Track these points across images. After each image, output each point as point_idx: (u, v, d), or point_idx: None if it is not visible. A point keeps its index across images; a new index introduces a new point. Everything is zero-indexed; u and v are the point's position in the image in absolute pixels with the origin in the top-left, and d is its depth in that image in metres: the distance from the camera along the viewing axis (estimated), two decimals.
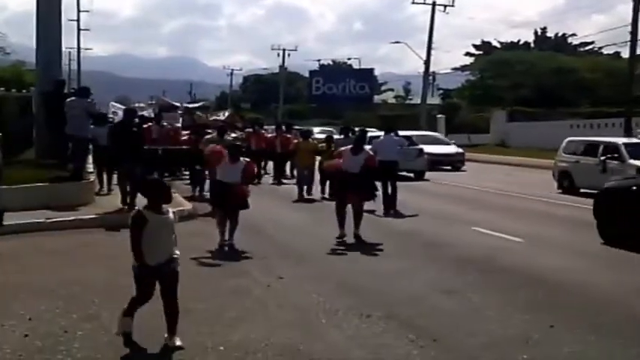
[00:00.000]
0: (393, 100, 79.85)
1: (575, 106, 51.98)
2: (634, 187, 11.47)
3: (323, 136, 26.86)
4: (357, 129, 19.32)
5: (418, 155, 24.40)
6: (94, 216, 12.76)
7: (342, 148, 12.53)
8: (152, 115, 29.57)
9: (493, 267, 9.72)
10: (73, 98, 15.68)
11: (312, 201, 17.69)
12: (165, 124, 20.20)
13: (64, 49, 20.63)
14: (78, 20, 68.94)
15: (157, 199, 5.85)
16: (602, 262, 10.39)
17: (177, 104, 32.68)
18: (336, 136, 21.83)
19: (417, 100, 59.54)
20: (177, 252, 5.96)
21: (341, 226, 11.62)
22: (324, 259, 10.14)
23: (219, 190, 10.90)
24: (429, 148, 27.16)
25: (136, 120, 16.16)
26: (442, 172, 28.11)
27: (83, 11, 69.76)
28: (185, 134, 21.02)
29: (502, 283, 8.70)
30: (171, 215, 5.94)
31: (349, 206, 11.82)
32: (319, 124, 46.77)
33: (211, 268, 9.35)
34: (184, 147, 19.10)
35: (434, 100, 69.73)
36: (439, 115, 52.87)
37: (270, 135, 24.56)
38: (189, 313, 6.65)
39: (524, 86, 57.10)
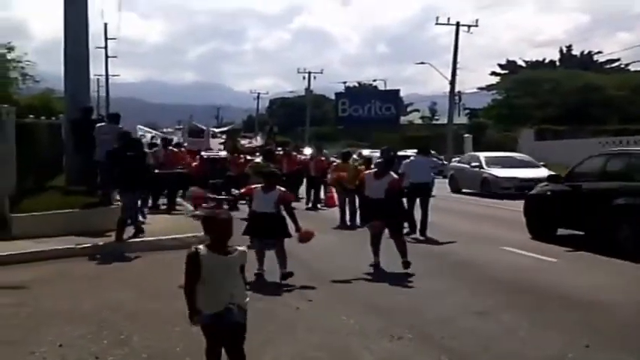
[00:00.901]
0: (420, 121, 79.72)
1: (602, 123, 51.50)
2: (548, 193, 14.54)
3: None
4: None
5: None
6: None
7: (365, 172, 12.04)
8: (180, 140, 29.98)
9: (524, 287, 9.60)
10: (103, 124, 15.87)
11: (354, 227, 15.52)
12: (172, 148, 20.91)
13: (92, 76, 20.83)
14: (106, 48, 69.76)
15: (216, 236, 4.92)
16: (637, 280, 10.23)
17: (204, 127, 33.01)
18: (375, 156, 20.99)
19: (444, 120, 59.41)
20: (245, 299, 5.04)
21: (375, 254, 10.93)
22: (354, 281, 10.01)
23: (253, 220, 10.13)
24: (515, 172, 25.03)
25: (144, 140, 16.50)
26: None
27: (110, 39, 70.52)
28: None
29: (534, 303, 8.58)
30: (237, 254, 4.96)
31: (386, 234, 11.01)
32: (346, 145, 46.73)
33: None
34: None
35: (460, 119, 69.51)
36: (466, 135, 52.65)
37: (303, 157, 23.96)
38: None
39: (551, 104, 56.73)
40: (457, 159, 33.10)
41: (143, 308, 7.82)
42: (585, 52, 75.54)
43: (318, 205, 21.13)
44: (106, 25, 69.42)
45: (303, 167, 22.43)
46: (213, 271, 4.83)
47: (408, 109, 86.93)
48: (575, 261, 11.77)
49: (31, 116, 19.33)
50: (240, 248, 4.98)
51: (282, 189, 10.08)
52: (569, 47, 77.75)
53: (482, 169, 26.41)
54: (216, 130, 34.37)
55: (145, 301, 8.23)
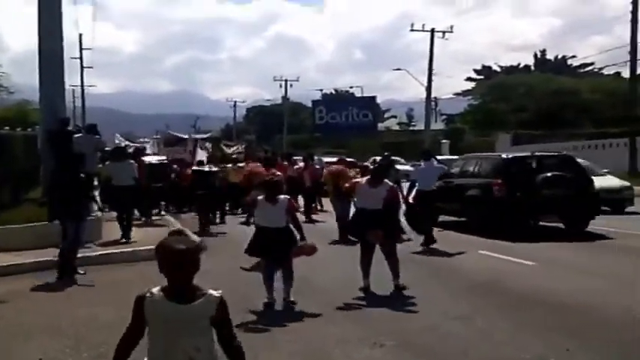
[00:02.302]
0: (397, 127, 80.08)
1: (577, 127, 52.00)
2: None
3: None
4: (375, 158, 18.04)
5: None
6: (99, 253, 12.74)
7: (355, 180, 10.89)
8: (155, 150, 29.71)
9: (503, 291, 9.66)
10: (80, 135, 15.77)
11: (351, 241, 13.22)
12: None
13: (67, 87, 20.75)
14: (81, 58, 69.29)
15: (169, 275, 3.35)
16: (614, 282, 10.32)
17: (185, 136, 32.65)
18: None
19: (421, 126, 59.74)
20: None
21: (365, 276, 9.80)
22: (337, 289, 9.92)
23: (261, 238, 8.90)
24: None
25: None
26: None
27: (85, 49, 70.02)
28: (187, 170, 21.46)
29: (513, 307, 8.63)
30: (203, 302, 3.36)
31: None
32: (324, 153, 46.76)
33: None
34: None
35: (437, 125, 69.87)
36: (443, 141, 53.01)
37: (297, 167, 22.42)
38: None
39: (526, 109, 57.25)
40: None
41: (121, 320, 7.75)
42: (559, 57, 76.45)
43: (313, 217, 19.58)
44: (80, 35, 69.03)
45: (298, 177, 21.06)
46: (163, 325, 3.36)
47: (385, 115, 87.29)
48: (551, 264, 11.86)
49: (6, 128, 19.19)
50: (213, 293, 3.39)
51: (287, 197, 9.16)
52: (543, 52, 78.69)
53: None
54: (198, 136, 33.92)
55: (122, 313, 8.14)
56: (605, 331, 7.41)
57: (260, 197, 9.00)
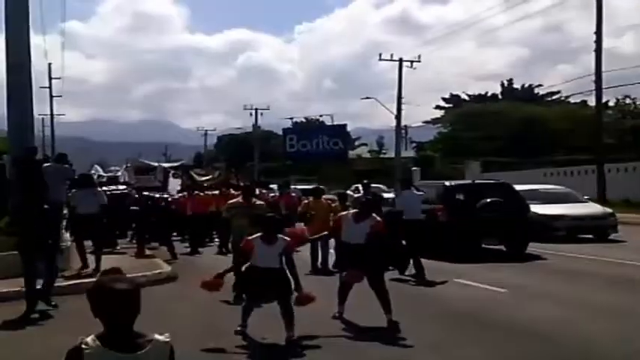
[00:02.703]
0: (368, 155, 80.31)
1: (547, 154, 52.62)
2: None
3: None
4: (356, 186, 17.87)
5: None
6: (70, 282, 12.56)
7: (342, 214, 10.45)
8: (126, 179, 29.45)
9: (478, 320, 9.67)
10: (49, 164, 15.62)
11: (329, 273, 13.57)
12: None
13: (36, 115, 20.59)
14: (50, 87, 68.83)
15: (108, 320, 2.87)
16: (587, 311, 10.38)
17: (155, 164, 32.43)
18: (353, 194, 19.74)
19: (391, 154, 59.96)
20: None
21: (341, 303, 9.70)
22: (312, 320, 9.17)
23: (252, 278, 8.55)
24: (563, 209, 21.00)
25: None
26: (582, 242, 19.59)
27: (55, 78, 69.55)
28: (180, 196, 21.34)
29: (489, 337, 8.63)
30: (150, 350, 2.87)
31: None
32: (296, 181, 46.73)
33: (192, 333, 9.15)
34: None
35: (408, 153, 70.25)
36: (414, 168, 53.26)
37: (272, 195, 21.99)
38: None
39: (496, 137, 57.85)
40: None
41: None
42: (526, 85, 77.35)
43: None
44: (50, 64, 68.64)
45: (273, 205, 19.63)
46: None
47: (356, 143, 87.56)
48: (520, 290, 11.91)
49: None
50: (159, 339, 2.91)
51: (287, 238, 8.68)
52: (510, 81, 79.57)
53: None
54: (167, 165, 33.73)
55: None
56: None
57: (256, 237, 8.49)
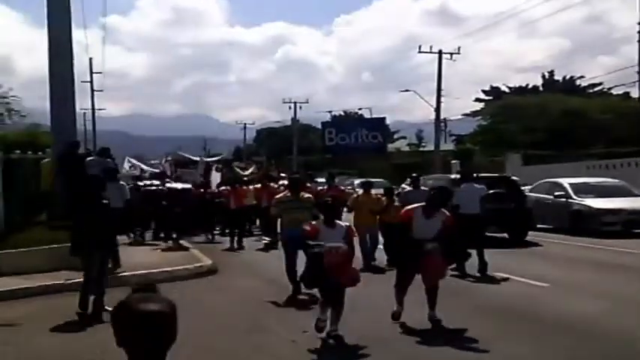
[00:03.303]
0: (407, 148, 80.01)
1: (588, 147, 51.86)
2: None
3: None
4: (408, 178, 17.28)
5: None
6: (111, 276, 12.68)
7: (410, 207, 9.44)
8: (167, 172, 29.68)
9: (519, 314, 9.56)
10: (92, 158, 15.82)
11: (378, 270, 13.59)
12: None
13: (78, 110, 20.81)
14: (91, 82, 69.67)
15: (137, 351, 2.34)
16: (626, 304, 10.21)
17: (196, 158, 32.60)
18: (405, 187, 18.84)
19: (430, 147, 59.67)
20: None
21: (399, 303, 9.12)
22: (350, 312, 8.96)
23: (317, 267, 8.13)
24: (618, 203, 20.20)
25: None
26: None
27: (96, 73, 70.34)
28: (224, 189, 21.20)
29: (530, 331, 8.53)
30: None
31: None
32: (337, 174, 46.81)
33: (233, 324, 9.18)
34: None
35: (447, 146, 69.80)
36: (453, 161, 52.85)
37: (320, 188, 20.98)
38: None
39: (537, 129, 57.13)
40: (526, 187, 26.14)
41: None
42: (567, 77, 76.30)
43: None
44: (91, 59, 69.37)
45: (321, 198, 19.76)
46: None
47: (395, 136, 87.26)
48: (563, 286, 11.75)
49: (18, 151, 19.23)
50: None
51: (347, 223, 8.84)
52: (551, 72, 78.52)
53: (570, 200, 21.14)
54: (208, 159, 33.85)
55: None
56: (614, 356, 7.31)
57: (319, 223, 8.60)
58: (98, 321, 9.15)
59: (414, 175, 16.93)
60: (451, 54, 52.29)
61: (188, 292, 11.43)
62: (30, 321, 9.52)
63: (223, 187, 21.75)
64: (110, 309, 8.82)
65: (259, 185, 20.81)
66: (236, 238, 19.11)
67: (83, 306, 9.73)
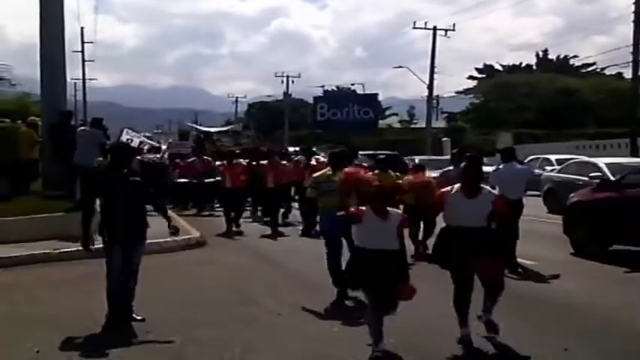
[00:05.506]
0: (398, 125, 79.90)
1: (579, 127, 51.97)
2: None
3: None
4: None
5: None
6: (100, 246, 12.68)
7: (444, 189, 7.35)
8: (159, 144, 29.65)
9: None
10: (83, 128, 15.79)
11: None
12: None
13: (69, 80, 20.65)
14: (82, 51, 69.17)
15: None
16: (604, 281, 10.30)
17: (206, 129, 32.65)
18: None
19: (422, 124, 59.65)
20: None
21: (463, 322, 7.01)
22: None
23: (364, 262, 6.58)
24: None
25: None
26: None
27: (87, 42, 69.91)
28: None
29: (511, 307, 8.58)
30: None
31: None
32: (326, 149, 46.71)
33: (221, 296, 9.22)
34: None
35: (439, 123, 69.76)
36: (444, 139, 52.90)
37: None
38: (196, 342, 6.61)
39: (529, 108, 57.20)
40: (553, 168, 24.38)
41: None
42: (561, 56, 76.19)
43: None
44: (82, 28, 68.97)
45: None
46: None
47: (387, 112, 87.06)
48: (552, 264, 11.79)
49: (7, 120, 19.13)
50: None
51: (400, 212, 7.28)
52: (545, 51, 78.40)
53: None
54: (217, 130, 33.71)
55: None
56: (602, 333, 7.39)
57: (367, 208, 6.64)
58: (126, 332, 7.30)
59: (456, 150, 14.80)
60: (446, 30, 52.18)
61: (176, 265, 11.49)
62: (16, 289, 9.55)
63: (219, 163, 19.90)
64: (140, 318, 7.43)
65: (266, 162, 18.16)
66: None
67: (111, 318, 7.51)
